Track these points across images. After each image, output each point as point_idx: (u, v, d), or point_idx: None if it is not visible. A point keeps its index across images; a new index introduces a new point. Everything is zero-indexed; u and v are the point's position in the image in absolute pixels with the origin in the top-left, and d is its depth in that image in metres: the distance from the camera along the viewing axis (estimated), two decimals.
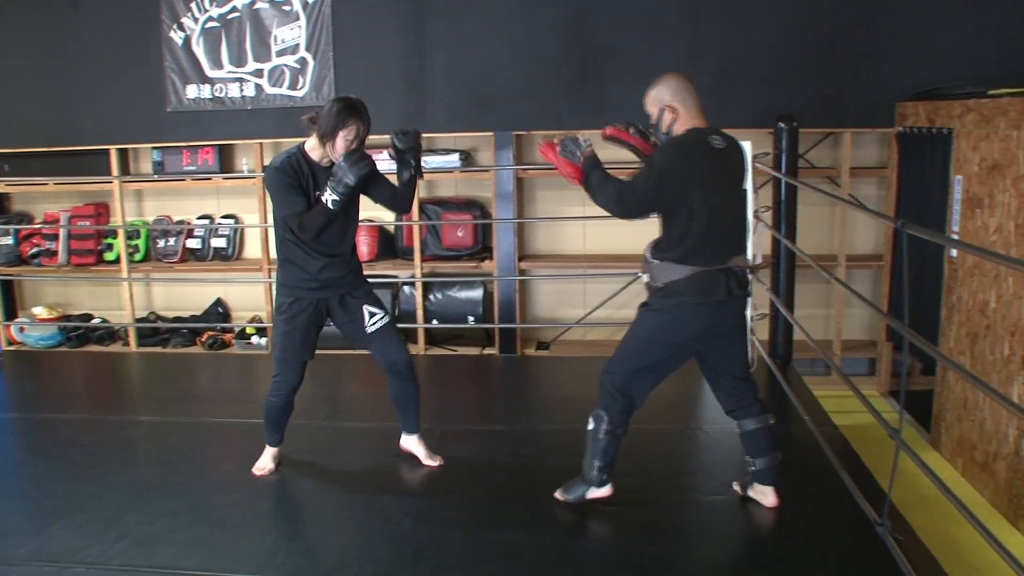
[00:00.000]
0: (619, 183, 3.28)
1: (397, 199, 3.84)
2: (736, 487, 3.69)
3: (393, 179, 3.84)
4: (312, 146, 3.64)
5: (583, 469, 3.50)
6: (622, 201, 3.27)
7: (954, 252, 4.89)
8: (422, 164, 3.83)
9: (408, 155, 3.77)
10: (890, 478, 3.11)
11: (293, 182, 3.57)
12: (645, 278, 3.44)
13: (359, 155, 3.55)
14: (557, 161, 3.45)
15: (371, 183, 3.75)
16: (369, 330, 3.82)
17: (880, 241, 6.36)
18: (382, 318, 3.84)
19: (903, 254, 3.06)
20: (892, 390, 6.10)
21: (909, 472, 3.44)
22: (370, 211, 5.23)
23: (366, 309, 3.82)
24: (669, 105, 3.29)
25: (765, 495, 3.55)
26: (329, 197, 3.53)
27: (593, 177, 3.35)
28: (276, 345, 3.79)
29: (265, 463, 3.94)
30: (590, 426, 3.46)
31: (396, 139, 3.75)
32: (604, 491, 3.50)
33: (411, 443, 4.08)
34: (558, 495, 3.57)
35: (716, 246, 3.29)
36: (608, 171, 3.38)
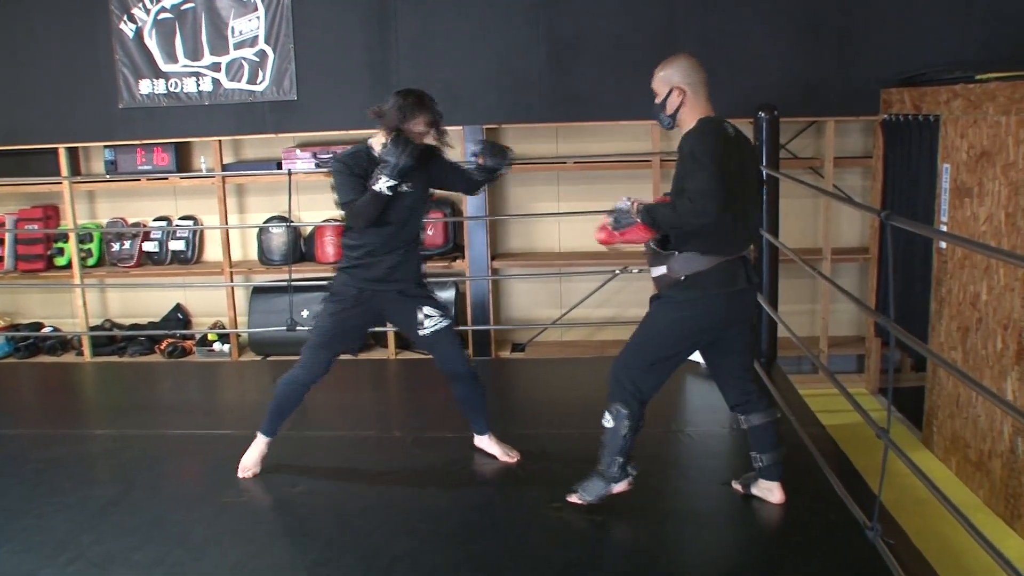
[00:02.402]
0: (684, 202, 3.14)
1: (471, 185, 3.97)
2: (737, 486, 3.71)
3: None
4: (379, 141, 3.69)
5: (601, 467, 3.50)
6: (697, 212, 3.10)
7: (943, 243, 4.92)
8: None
9: (491, 172, 3.87)
10: (879, 480, 3.11)
11: (352, 173, 3.61)
12: (658, 271, 3.39)
13: (404, 138, 3.57)
14: (623, 237, 3.43)
15: (437, 174, 3.83)
16: (423, 333, 3.83)
17: (866, 233, 6.40)
18: (439, 321, 3.84)
19: (888, 247, 3.07)
20: (882, 387, 6.14)
21: (901, 472, 3.45)
22: (330, 212, 5.17)
23: (421, 311, 3.82)
24: (677, 87, 3.29)
25: (771, 491, 3.59)
26: (384, 184, 3.53)
27: (657, 218, 3.27)
28: (319, 329, 3.80)
29: (251, 464, 3.93)
30: (608, 423, 3.46)
31: (487, 155, 3.83)
32: (624, 485, 3.52)
33: (484, 442, 4.13)
34: (574, 499, 3.57)
35: (737, 235, 3.32)
36: (656, 205, 3.30)
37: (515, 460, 4.06)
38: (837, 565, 3.16)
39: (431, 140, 3.71)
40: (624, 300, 6.57)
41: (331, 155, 3.73)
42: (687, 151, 3.20)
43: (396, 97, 3.61)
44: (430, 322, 3.83)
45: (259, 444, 3.96)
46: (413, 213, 3.77)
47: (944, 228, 4.87)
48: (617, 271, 6.08)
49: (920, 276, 5.23)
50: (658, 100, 3.36)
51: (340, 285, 3.81)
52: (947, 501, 2.77)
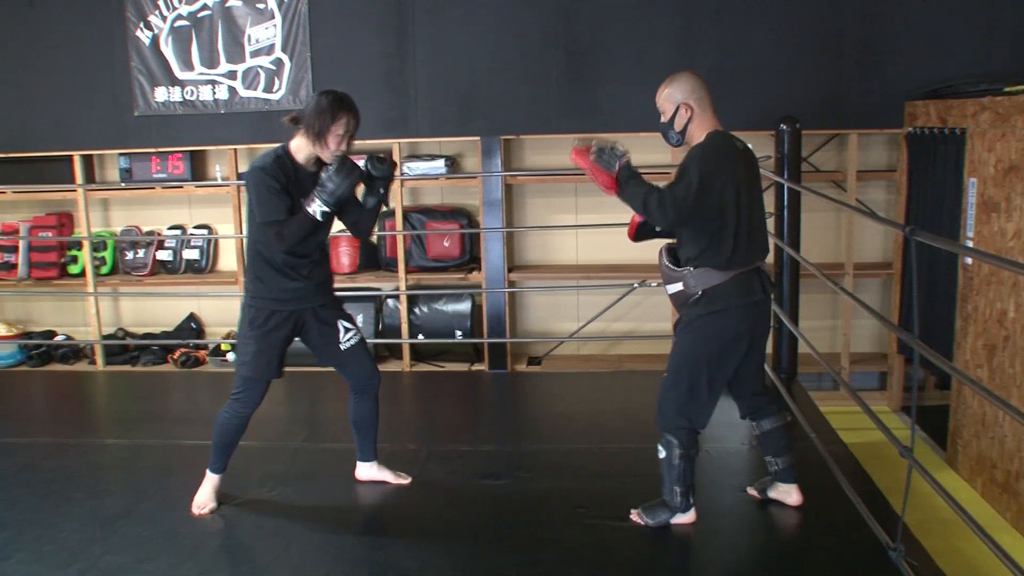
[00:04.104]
0: (660, 193, 3.25)
1: (359, 224, 3.81)
2: (752, 491, 3.77)
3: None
4: (298, 146, 3.57)
5: (664, 496, 3.52)
6: (664, 210, 3.22)
7: (968, 259, 4.89)
8: (390, 188, 3.80)
9: (379, 183, 3.72)
10: (903, 499, 3.09)
11: (277, 185, 3.48)
12: (674, 288, 3.45)
13: (350, 164, 3.49)
14: (590, 168, 3.37)
15: (347, 201, 3.71)
16: (343, 347, 3.79)
17: (889, 248, 6.36)
18: (355, 335, 3.83)
19: (913, 263, 3.06)
20: (904, 405, 6.09)
21: (925, 493, 3.43)
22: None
23: (341, 324, 3.79)
24: (685, 103, 3.35)
25: (789, 494, 3.65)
26: (318, 208, 3.46)
27: (630, 188, 3.31)
28: (245, 363, 3.70)
29: (206, 499, 3.80)
30: (661, 454, 3.48)
31: (371, 166, 3.68)
32: (689, 516, 3.53)
33: (372, 471, 4.05)
34: (636, 517, 3.56)
35: (749, 247, 3.36)
36: (645, 180, 3.35)
37: (408, 482, 4.01)
38: None
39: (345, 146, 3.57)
40: (642, 314, 6.55)
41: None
42: (688, 158, 3.30)
43: (318, 98, 3.49)
44: (349, 336, 3.79)
45: (211, 480, 3.82)
46: (322, 231, 3.67)
47: (970, 244, 4.84)
48: (636, 284, 6.06)
49: (944, 292, 5.19)
50: (665, 118, 3.42)
51: (255, 312, 3.68)
52: (973, 522, 2.74)
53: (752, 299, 3.36)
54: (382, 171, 3.69)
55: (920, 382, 6.19)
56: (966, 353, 4.91)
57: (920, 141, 5.62)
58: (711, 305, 3.35)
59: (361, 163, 3.61)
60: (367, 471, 4.05)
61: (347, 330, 3.80)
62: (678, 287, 3.43)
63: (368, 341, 6.25)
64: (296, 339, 3.80)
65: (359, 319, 6.38)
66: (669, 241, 3.57)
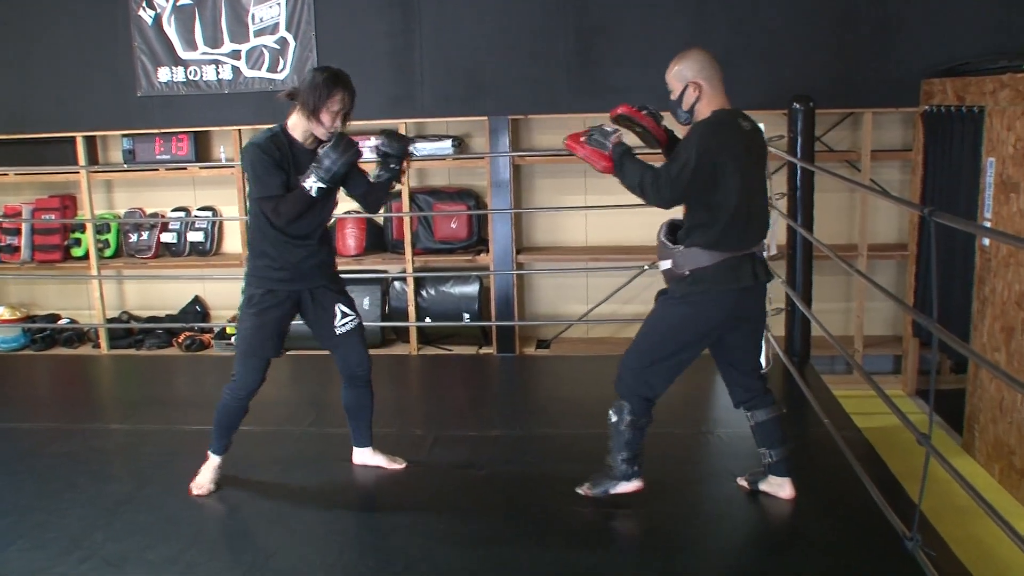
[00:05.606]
0: (654, 170, 3.25)
1: (368, 196, 3.83)
2: (743, 482, 3.73)
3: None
4: (294, 123, 3.59)
5: (608, 463, 3.53)
6: (658, 188, 3.23)
7: (986, 241, 4.83)
8: (405, 164, 3.81)
9: (392, 160, 3.76)
10: (920, 487, 3.05)
11: (273, 162, 3.51)
12: (665, 265, 3.46)
13: (347, 142, 3.51)
14: (585, 152, 3.40)
15: (351, 174, 3.71)
16: (338, 331, 3.79)
17: (904, 229, 6.30)
18: (352, 320, 3.81)
19: (931, 245, 3.01)
20: (920, 389, 6.05)
21: (941, 479, 3.39)
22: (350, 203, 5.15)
23: (339, 308, 3.78)
24: (693, 82, 3.32)
25: (782, 487, 3.61)
26: (313, 184, 3.47)
27: (625, 165, 3.33)
28: (243, 340, 3.73)
29: (206, 480, 3.82)
30: (611, 418, 3.50)
31: (387, 145, 3.72)
32: (632, 485, 3.54)
33: (367, 456, 4.05)
34: (584, 490, 3.60)
35: (745, 231, 3.33)
36: (639, 158, 3.35)
37: (403, 466, 4.01)
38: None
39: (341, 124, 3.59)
40: (652, 297, 6.43)
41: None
42: (689, 136, 3.29)
43: (313, 75, 3.51)
44: (345, 320, 3.78)
45: (212, 463, 3.85)
46: (324, 209, 3.68)
47: (987, 224, 4.79)
48: (645, 267, 6.02)
49: (960, 274, 5.14)
50: (674, 96, 3.39)
51: (253, 288, 3.69)
52: (992, 510, 2.70)
53: (740, 285, 3.32)
54: (396, 148, 3.72)
55: (935, 365, 6.15)
56: (983, 336, 4.86)
57: (936, 120, 5.55)
58: (695, 286, 3.34)
59: (371, 141, 3.59)
60: (362, 456, 4.06)
61: (344, 315, 3.79)
62: (668, 264, 3.44)
63: (374, 324, 6.25)
64: (298, 320, 3.81)
65: (365, 302, 6.36)
66: (673, 216, 3.53)
